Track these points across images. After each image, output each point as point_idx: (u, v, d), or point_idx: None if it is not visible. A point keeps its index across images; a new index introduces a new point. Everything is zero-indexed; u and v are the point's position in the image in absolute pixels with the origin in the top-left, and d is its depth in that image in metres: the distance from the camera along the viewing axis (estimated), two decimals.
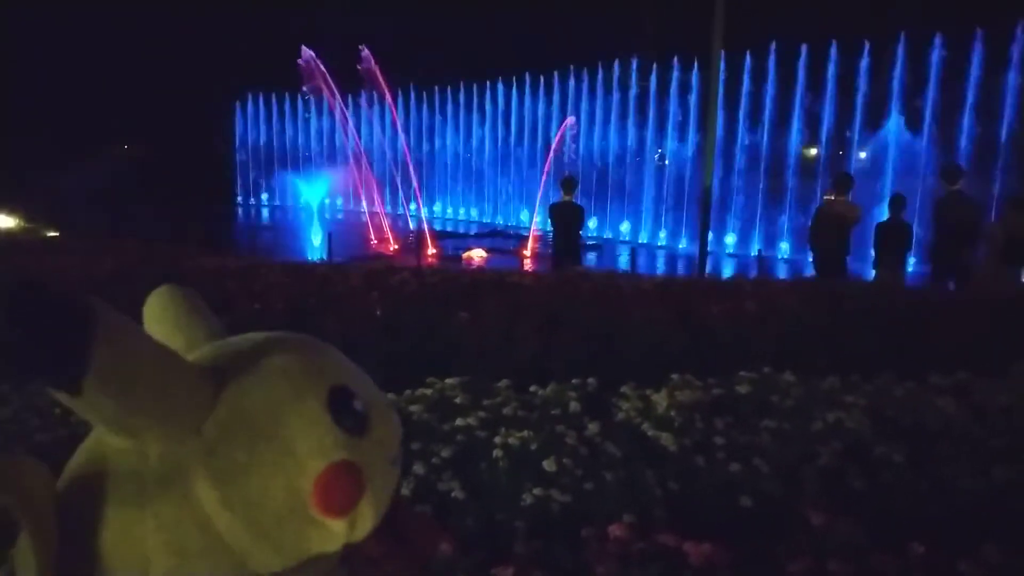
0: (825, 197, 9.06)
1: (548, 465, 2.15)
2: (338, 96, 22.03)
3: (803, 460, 2.29)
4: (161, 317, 0.80)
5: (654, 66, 22.06)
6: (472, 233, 24.20)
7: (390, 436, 0.76)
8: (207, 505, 0.62)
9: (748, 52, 18.83)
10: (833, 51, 17.68)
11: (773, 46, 18.45)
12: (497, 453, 2.23)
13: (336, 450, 0.66)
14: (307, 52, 20.91)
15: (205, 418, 0.63)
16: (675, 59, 21.03)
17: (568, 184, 9.25)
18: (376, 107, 27.26)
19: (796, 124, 18.51)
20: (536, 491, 2.07)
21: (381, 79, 21.95)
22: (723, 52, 9.34)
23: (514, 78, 26.92)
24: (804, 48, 18.04)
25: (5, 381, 0.56)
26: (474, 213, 28.87)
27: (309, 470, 0.65)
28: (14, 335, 0.50)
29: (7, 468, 0.58)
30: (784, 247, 18.27)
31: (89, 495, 0.63)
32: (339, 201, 30.20)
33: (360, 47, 20.95)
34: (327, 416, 0.68)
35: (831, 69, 17.69)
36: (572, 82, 24.73)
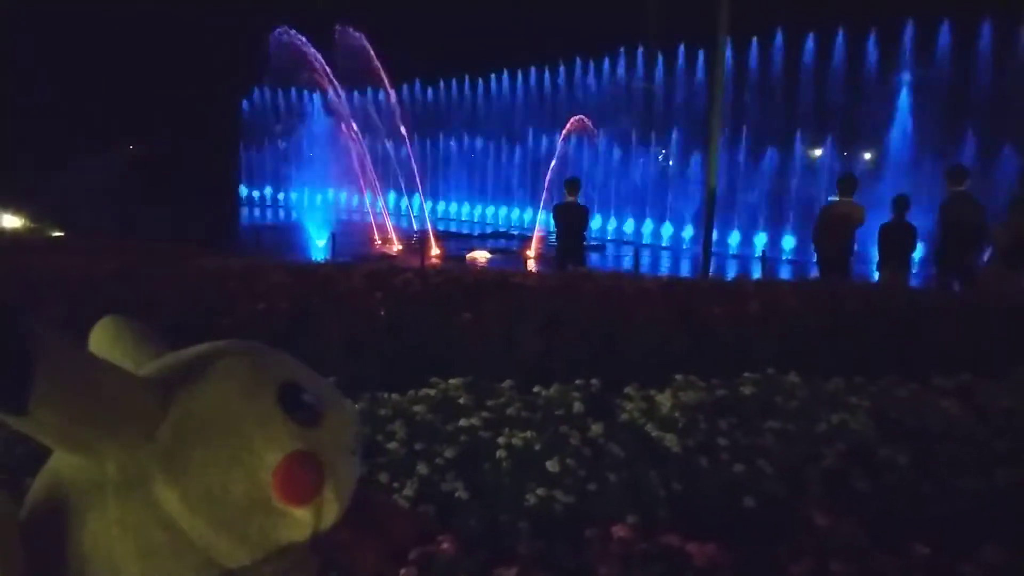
0: (830, 198, 9.04)
1: (551, 466, 2.15)
2: (341, 92, 22.03)
3: (807, 461, 2.28)
4: (108, 348, 0.83)
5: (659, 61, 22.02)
6: (475, 234, 24.22)
7: (344, 425, 0.77)
8: (168, 505, 0.64)
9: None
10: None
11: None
12: (500, 454, 2.23)
13: (291, 441, 0.69)
14: (285, 35, 20.85)
15: (156, 426, 0.65)
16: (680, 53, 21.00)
17: (572, 185, 9.25)
18: (381, 105, 27.28)
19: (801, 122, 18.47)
20: (539, 491, 2.07)
21: (385, 77, 21.97)
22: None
23: (518, 73, 26.97)
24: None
25: None
26: (477, 213, 28.89)
27: (267, 462, 0.67)
28: None
29: None
30: (788, 247, 18.26)
31: (54, 513, 0.64)
32: (344, 196, 30.18)
33: (354, 33, 20.89)
34: (279, 410, 0.70)
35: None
36: (577, 77, 24.73)
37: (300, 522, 0.69)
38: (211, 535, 0.65)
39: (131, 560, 0.63)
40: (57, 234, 14.27)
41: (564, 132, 22.59)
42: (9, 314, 0.56)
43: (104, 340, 0.83)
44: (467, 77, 28.96)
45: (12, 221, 16.18)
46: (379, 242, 19.60)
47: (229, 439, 0.67)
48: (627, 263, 15.60)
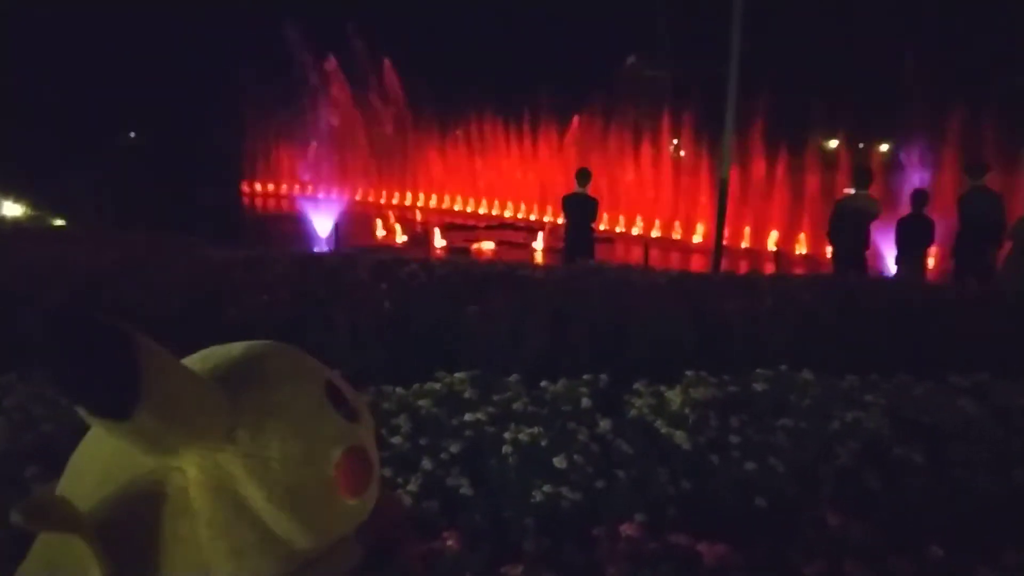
0: (845, 191, 8.96)
1: (558, 462, 2.12)
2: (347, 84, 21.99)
3: (820, 460, 2.24)
4: None
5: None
6: (482, 225, 24.18)
7: (370, 421, 0.82)
8: (256, 504, 0.67)
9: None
10: None
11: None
12: (506, 449, 2.19)
13: (347, 437, 0.74)
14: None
15: (234, 428, 0.68)
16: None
17: (582, 176, 9.16)
18: (387, 95, 27.23)
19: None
20: (546, 488, 2.04)
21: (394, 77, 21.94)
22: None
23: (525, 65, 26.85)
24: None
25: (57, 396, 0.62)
26: (484, 205, 28.85)
27: (331, 458, 0.72)
28: (67, 366, 0.55)
29: (51, 504, 0.63)
30: (802, 242, 18.14)
31: (138, 519, 0.65)
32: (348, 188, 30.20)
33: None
34: (332, 407, 0.75)
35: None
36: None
37: (354, 513, 0.75)
38: (294, 530, 0.69)
39: (223, 560, 0.66)
40: (58, 223, 14.30)
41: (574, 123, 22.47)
42: (116, 323, 0.58)
43: None
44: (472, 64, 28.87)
45: (13, 210, 16.22)
46: (384, 233, 19.59)
47: (300, 438, 0.71)
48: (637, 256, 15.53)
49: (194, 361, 0.76)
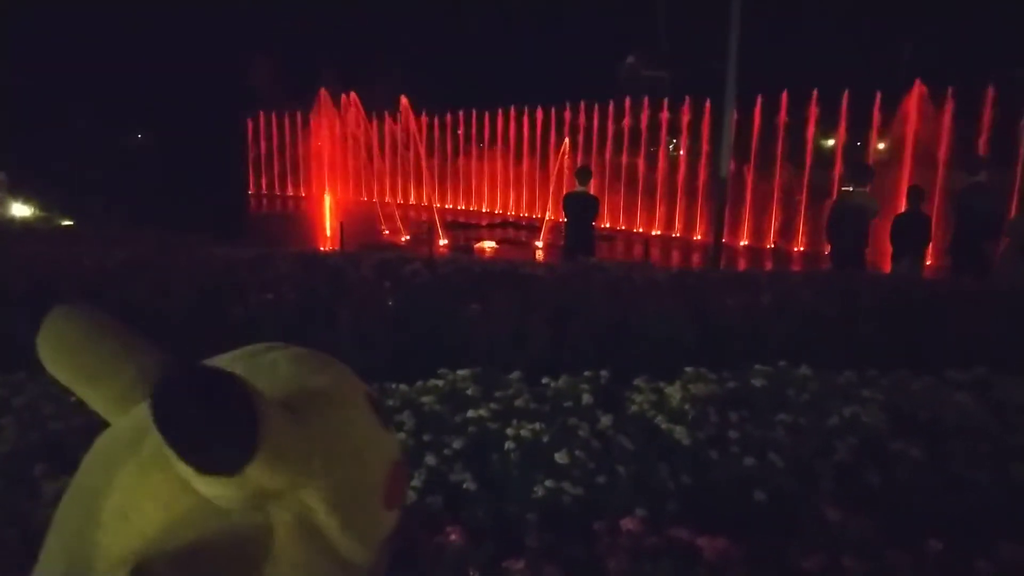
0: (843, 189, 8.96)
1: (560, 457, 2.14)
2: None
3: (819, 455, 2.26)
4: (72, 347, 0.73)
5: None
6: (484, 224, 24.19)
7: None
8: (331, 532, 0.64)
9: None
10: None
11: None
12: (509, 445, 2.22)
13: (393, 450, 0.71)
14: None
15: (309, 457, 0.64)
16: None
17: (583, 174, 9.19)
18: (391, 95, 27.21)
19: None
20: (548, 483, 2.06)
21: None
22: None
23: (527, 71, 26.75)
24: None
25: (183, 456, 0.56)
26: (486, 204, 28.84)
27: (381, 474, 0.69)
28: (187, 423, 0.52)
29: None
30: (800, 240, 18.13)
31: (223, 568, 0.61)
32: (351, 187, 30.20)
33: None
34: (379, 421, 0.71)
35: None
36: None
37: (392, 521, 0.72)
38: (359, 550, 0.67)
39: None
40: (66, 223, 14.36)
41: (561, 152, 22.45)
42: (236, 379, 0.55)
43: (67, 337, 0.73)
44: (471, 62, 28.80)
45: (22, 210, 16.30)
46: (387, 232, 19.61)
47: (361, 458, 0.68)
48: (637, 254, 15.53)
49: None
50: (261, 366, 0.68)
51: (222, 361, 0.69)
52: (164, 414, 0.52)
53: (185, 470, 0.54)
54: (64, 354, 0.72)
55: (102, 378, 0.70)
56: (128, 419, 0.66)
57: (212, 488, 0.56)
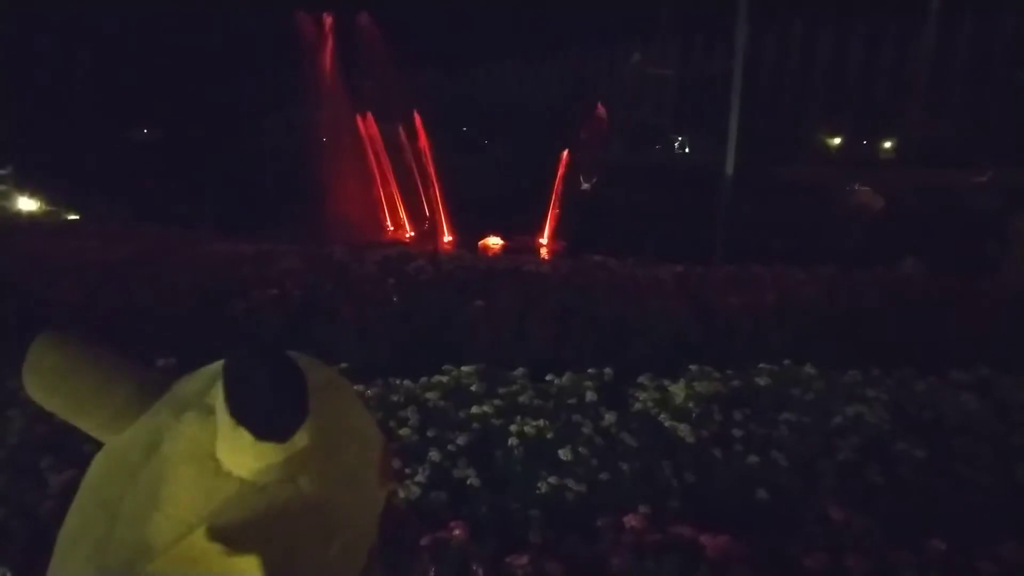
0: (848, 186, 8.94)
1: (564, 454, 2.15)
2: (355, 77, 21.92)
3: (822, 454, 2.26)
4: (60, 372, 0.71)
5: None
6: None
7: None
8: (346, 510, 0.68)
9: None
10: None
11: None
12: (512, 441, 2.22)
13: (380, 434, 0.76)
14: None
15: None
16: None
17: (588, 173, 9.19)
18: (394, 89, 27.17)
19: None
20: (551, 480, 2.07)
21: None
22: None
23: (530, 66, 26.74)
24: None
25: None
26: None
27: (376, 452, 0.74)
28: (250, 395, 0.58)
29: None
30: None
31: (272, 539, 0.63)
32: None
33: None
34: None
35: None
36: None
37: (381, 502, 0.77)
38: (372, 527, 0.72)
39: (348, 571, 0.68)
40: (72, 217, 14.39)
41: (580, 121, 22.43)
42: (287, 355, 0.61)
43: (57, 365, 0.71)
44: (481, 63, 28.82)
45: (28, 205, 16.35)
46: (392, 228, 19.60)
47: (362, 440, 0.73)
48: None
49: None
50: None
51: (213, 370, 0.72)
52: (234, 388, 0.58)
53: (237, 442, 0.59)
54: (54, 383, 0.71)
55: (96, 402, 0.70)
56: (135, 430, 0.69)
57: (260, 457, 0.61)
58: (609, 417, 2.38)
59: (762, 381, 2.71)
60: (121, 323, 3.49)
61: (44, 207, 16.29)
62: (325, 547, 0.66)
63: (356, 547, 0.70)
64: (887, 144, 18.13)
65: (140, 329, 3.43)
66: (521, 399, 2.51)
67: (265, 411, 0.59)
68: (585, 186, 9.12)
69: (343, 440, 0.69)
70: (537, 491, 2.05)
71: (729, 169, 9.55)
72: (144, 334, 3.34)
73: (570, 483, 2.06)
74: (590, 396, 2.54)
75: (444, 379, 2.69)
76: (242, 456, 0.61)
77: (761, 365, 2.85)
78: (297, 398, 0.60)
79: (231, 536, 0.59)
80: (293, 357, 0.62)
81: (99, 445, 0.72)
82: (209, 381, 0.70)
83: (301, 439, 0.61)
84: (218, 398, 0.60)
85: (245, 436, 0.59)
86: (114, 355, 0.73)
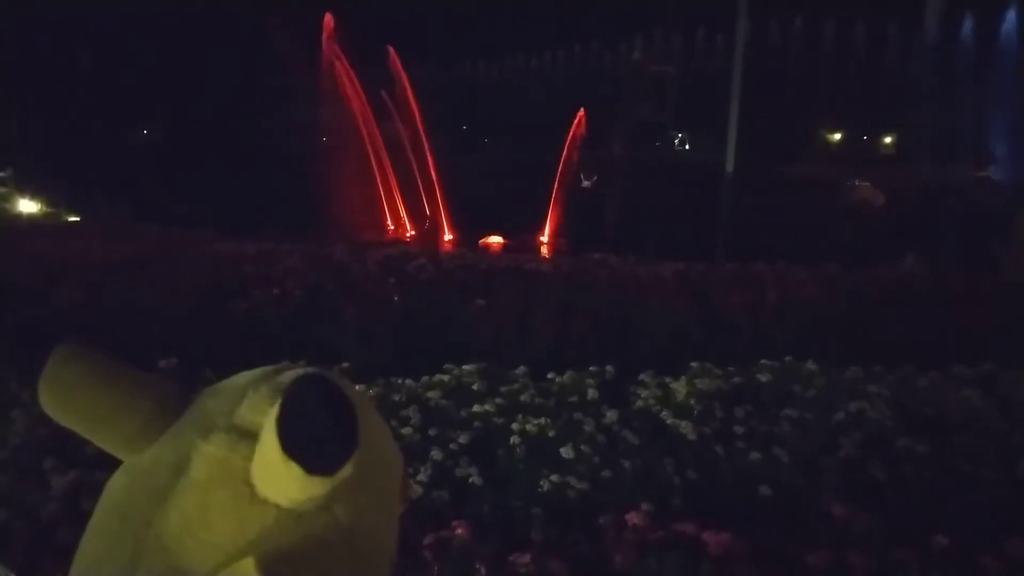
0: (849, 183, 8.94)
1: (565, 452, 2.15)
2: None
3: (824, 450, 2.26)
4: (80, 387, 0.69)
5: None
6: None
7: None
8: (377, 533, 0.68)
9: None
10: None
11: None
12: (514, 440, 2.22)
13: (399, 451, 0.75)
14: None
15: None
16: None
17: (588, 172, 9.20)
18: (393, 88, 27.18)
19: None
20: (553, 478, 2.07)
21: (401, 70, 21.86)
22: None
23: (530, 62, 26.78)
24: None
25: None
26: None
27: (401, 475, 0.73)
28: (303, 429, 0.57)
29: None
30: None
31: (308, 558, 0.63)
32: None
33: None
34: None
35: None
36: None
37: (400, 513, 0.76)
38: (394, 547, 0.70)
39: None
40: (73, 219, 14.41)
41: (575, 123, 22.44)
42: (338, 386, 0.61)
43: (77, 381, 0.69)
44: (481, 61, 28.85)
45: (29, 207, 16.37)
46: (392, 227, 19.61)
47: (391, 459, 0.72)
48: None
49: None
50: (286, 381, 0.69)
51: (243, 379, 0.70)
52: (289, 423, 0.57)
53: (285, 475, 0.58)
54: (72, 399, 0.69)
55: (116, 420, 0.69)
56: (159, 450, 0.67)
57: (306, 490, 0.59)
58: (611, 415, 2.38)
59: (764, 378, 2.71)
60: (123, 323, 3.49)
61: (45, 209, 16.31)
62: (355, 573, 0.65)
63: (381, 569, 0.69)
64: (887, 140, 18.12)
65: (142, 329, 3.43)
66: (523, 397, 2.51)
67: (319, 447, 0.58)
68: (586, 183, 9.12)
69: (373, 463, 0.68)
70: (539, 489, 2.05)
71: (729, 167, 9.53)
72: (146, 334, 3.35)
73: (572, 481, 2.06)
74: (592, 394, 2.54)
75: (446, 378, 2.69)
76: (287, 488, 0.60)
77: (763, 362, 2.84)
78: (349, 432, 0.59)
79: (277, 569, 0.58)
80: (339, 386, 0.60)
81: (103, 450, 0.70)
82: (234, 398, 0.67)
83: (346, 471, 0.60)
84: (266, 427, 0.59)
85: (295, 470, 0.58)
86: (133, 371, 0.71)
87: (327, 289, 4.01)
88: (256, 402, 0.66)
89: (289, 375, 0.69)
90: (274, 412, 0.59)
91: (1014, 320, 3.59)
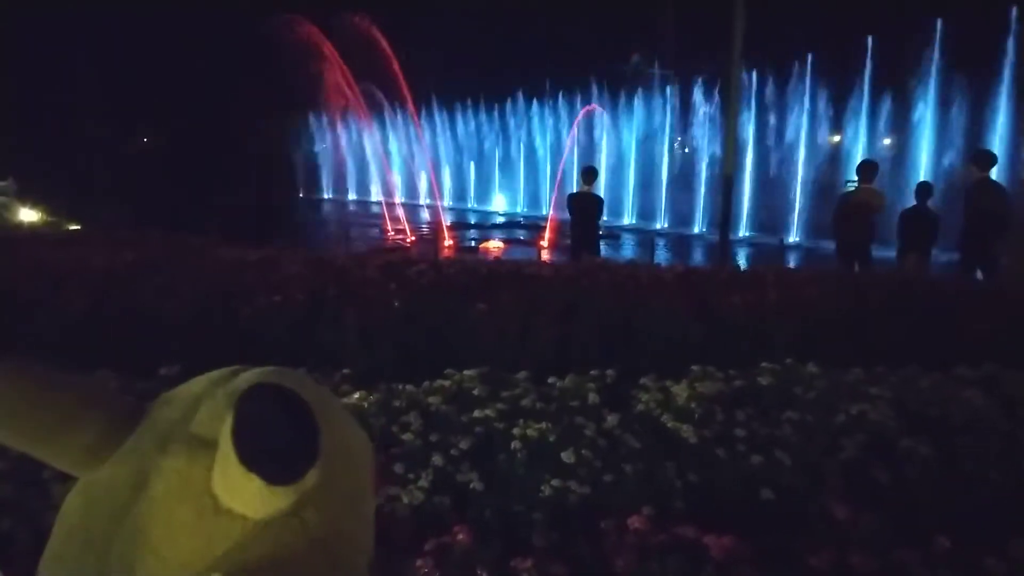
0: (848, 184, 8.92)
1: (567, 457, 2.14)
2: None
3: (826, 453, 2.26)
4: (25, 401, 0.66)
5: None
6: (489, 223, 24.21)
7: None
8: (359, 535, 0.67)
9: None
10: None
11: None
12: (515, 445, 2.22)
13: (369, 440, 0.74)
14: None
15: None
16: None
17: (588, 174, 9.22)
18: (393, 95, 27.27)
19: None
20: (555, 483, 2.07)
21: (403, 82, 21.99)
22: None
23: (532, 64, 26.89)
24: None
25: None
26: (493, 203, 28.85)
27: (370, 463, 0.73)
28: (261, 439, 0.56)
29: None
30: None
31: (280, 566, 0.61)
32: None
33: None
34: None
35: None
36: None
37: (375, 503, 0.77)
38: (370, 544, 0.70)
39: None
40: (74, 227, 14.44)
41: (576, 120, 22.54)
42: (296, 395, 0.60)
43: (22, 395, 0.66)
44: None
45: (30, 215, 16.42)
46: (392, 233, 19.65)
47: (361, 453, 0.71)
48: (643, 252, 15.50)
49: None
50: (241, 386, 0.66)
51: (197, 385, 0.68)
52: (245, 435, 0.56)
53: (246, 487, 0.56)
54: (15, 415, 0.65)
55: (66, 434, 0.65)
56: (115, 466, 0.64)
57: (270, 502, 0.58)
58: (612, 419, 2.37)
59: (765, 380, 2.70)
60: (124, 331, 3.50)
61: (46, 218, 16.36)
62: None
63: (358, 569, 0.67)
64: (887, 141, 18.13)
65: (143, 336, 3.44)
66: (524, 402, 2.51)
67: (278, 457, 0.57)
68: (585, 188, 9.13)
69: (340, 463, 0.65)
70: (540, 494, 2.05)
71: (728, 170, 9.53)
72: (147, 341, 3.35)
73: (573, 485, 2.06)
74: (593, 398, 2.54)
75: (446, 383, 2.69)
76: (250, 499, 0.58)
77: (764, 364, 2.84)
78: (309, 439, 0.58)
79: None
80: (290, 381, 0.59)
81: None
82: (190, 406, 0.64)
83: (312, 477, 0.59)
84: (223, 439, 0.57)
85: (256, 482, 0.56)
86: (82, 384, 0.67)
87: (328, 295, 4.01)
88: (213, 408, 0.63)
89: (243, 379, 0.66)
90: (230, 421, 0.57)
91: (1016, 321, 3.59)
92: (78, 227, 14.63)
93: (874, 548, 1.78)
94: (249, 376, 0.67)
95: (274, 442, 0.57)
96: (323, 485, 0.61)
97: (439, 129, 31.39)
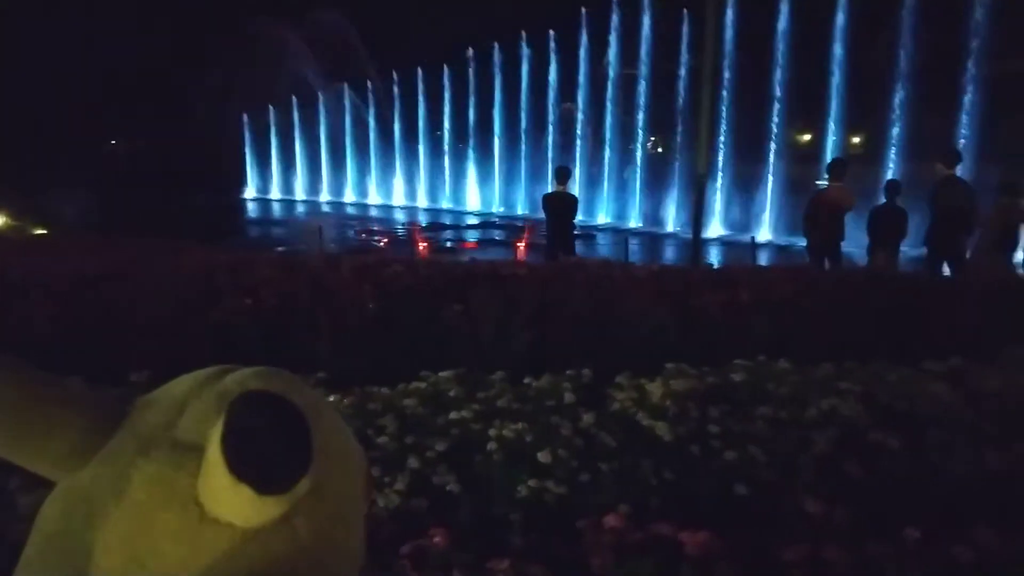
0: (819, 183, 9.07)
1: (543, 457, 2.15)
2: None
3: (798, 447, 2.29)
4: (5, 403, 0.63)
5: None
6: (464, 224, 24.17)
7: None
8: (345, 543, 0.66)
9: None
10: None
11: None
12: (492, 446, 2.22)
13: (360, 448, 0.73)
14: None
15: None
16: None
17: (562, 174, 9.25)
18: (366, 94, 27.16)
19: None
20: (531, 483, 2.07)
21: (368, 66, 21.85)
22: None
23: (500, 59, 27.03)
24: None
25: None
26: (468, 202, 28.80)
27: (363, 469, 0.72)
28: (251, 446, 0.54)
29: None
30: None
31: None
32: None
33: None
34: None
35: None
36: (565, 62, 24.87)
37: (365, 511, 0.75)
38: (361, 552, 0.69)
39: None
40: (39, 232, 14.15)
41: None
42: (288, 401, 0.58)
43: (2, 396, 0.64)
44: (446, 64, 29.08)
45: None
46: (366, 234, 19.55)
47: (351, 459, 0.69)
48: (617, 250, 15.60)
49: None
50: (231, 388, 0.64)
51: (182, 386, 0.65)
52: (235, 444, 0.54)
53: (235, 497, 0.55)
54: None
55: (44, 436, 0.62)
56: (95, 470, 0.61)
57: (260, 511, 0.56)
58: (588, 418, 2.38)
59: (738, 377, 2.73)
60: (93, 335, 3.43)
61: (9, 221, 16.01)
62: None
63: None
64: (856, 139, 18.45)
65: (113, 341, 3.37)
66: (500, 403, 2.51)
67: (270, 466, 0.55)
68: (559, 188, 9.16)
69: (332, 471, 0.64)
70: (517, 495, 2.05)
71: (701, 168, 9.62)
72: (117, 346, 3.29)
73: (550, 485, 2.06)
74: (568, 398, 2.55)
75: (422, 385, 2.67)
76: (239, 509, 0.56)
77: (736, 361, 2.87)
78: (301, 448, 0.56)
79: None
80: (281, 383, 0.58)
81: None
82: (174, 409, 0.63)
83: (303, 486, 0.57)
84: (211, 446, 0.55)
85: (245, 491, 0.54)
86: (60, 384, 0.65)
87: (301, 297, 3.97)
88: (200, 411, 0.61)
89: (232, 381, 0.64)
90: (219, 428, 0.55)
91: (981, 315, 3.67)
92: (44, 232, 14.33)
93: (846, 540, 1.81)
94: (238, 377, 0.64)
95: (266, 451, 0.55)
96: (315, 492, 0.60)
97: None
